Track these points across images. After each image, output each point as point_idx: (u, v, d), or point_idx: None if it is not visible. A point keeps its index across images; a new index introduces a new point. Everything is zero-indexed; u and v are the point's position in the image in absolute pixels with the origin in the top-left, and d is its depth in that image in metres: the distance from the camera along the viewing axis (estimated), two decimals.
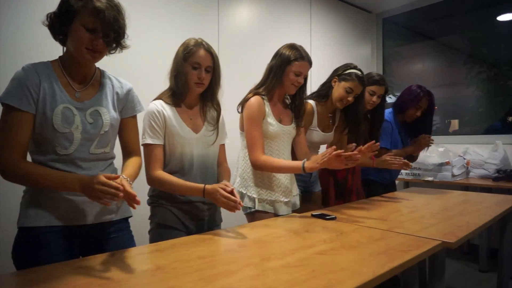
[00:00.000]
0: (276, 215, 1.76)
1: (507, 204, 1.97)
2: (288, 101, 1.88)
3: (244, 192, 1.77)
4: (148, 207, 1.56)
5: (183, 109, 1.52)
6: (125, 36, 1.19)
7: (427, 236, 1.32)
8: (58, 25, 1.12)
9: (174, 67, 1.48)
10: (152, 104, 1.49)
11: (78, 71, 1.19)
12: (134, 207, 1.05)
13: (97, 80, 1.25)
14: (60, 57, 1.20)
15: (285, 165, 1.70)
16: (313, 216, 1.68)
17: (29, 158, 1.16)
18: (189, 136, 1.50)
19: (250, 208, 1.74)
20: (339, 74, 1.99)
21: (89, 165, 1.21)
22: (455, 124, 4.03)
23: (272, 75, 1.74)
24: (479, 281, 2.85)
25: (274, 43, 1.84)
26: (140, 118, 1.42)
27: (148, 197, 1.56)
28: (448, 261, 3.18)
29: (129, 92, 1.32)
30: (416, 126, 2.51)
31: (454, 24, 4.16)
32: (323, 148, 2.29)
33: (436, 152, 3.37)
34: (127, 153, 1.34)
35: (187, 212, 1.50)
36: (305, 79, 1.79)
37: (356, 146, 1.99)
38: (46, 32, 1.17)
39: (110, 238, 1.26)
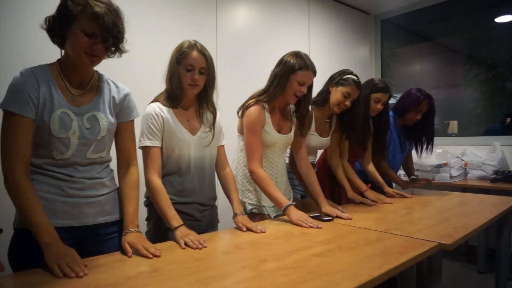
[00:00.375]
0: (269, 216, 1.77)
1: (505, 206, 1.97)
2: (290, 110, 1.87)
3: (241, 197, 1.77)
4: (145, 209, 1.56)
5: (180, 111, 1.52)
6: (124, 41, 1.19)
7: (424, 238, 1.33)
8: (57, 28, 1.12)
9: (169, 70, 1.49)
10: (149, 106, 1.49)
11: (76, 75, 1.19)
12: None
13: (95, 84, 1.25)
14: (58, 60, 1.20)
15: (271, 195, 1.65)
16: (310, 217, 1.68)
17: None
18: (186, 138, 1.50)
19: (244, 209, 1.74)
20: (336, 80, 2.00)
21: (85, 169, 1.21)
22: (453, 126, 4.04)
23: (275, 83, 1.71)
24: (477, 282, 2.86)
25: (272, 45, 1.85)
26: (137, 120, 1.41)
27: (145, 198, 1.56)
28: (446, 262, 3.19)
29: (126, 97, 1.31)
30: (417, 129, 2.51)
31: (452, 26, 4.18)
32: (320, 153, 2.32)
33: (434, 153, 3.38)
34: (123, 161, 1.33)
35: (184, 213, 1.50)
36: (309, 88, 1.77)
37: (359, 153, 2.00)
38: (44, 35, 1.16)
39: (107, 240, 1.26)
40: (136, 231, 1.21)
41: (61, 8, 1.10)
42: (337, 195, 2.30)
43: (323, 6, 3.78)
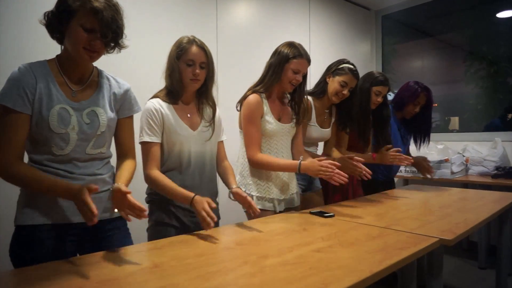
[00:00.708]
0: (275, 212, 1.77)
1: (506, 201, 1.97)
2: (288, 99, 1.88)
3: (244, 190, 1.77)
4: (146, 205, 1.56)
5: (180, 106, 1.52)
6: (124, 36, 1.19)
7: (425, 234, 1.32)
8: (56, 24, 1.12)
9: (168, 66, 1.49)
10: (149, 102, 1.49)
11: (75, 71, 1.19)
12: (140, 218, 1.08)
13: (95, 80, 1.24)
14: (57, 56, 1.19)
15: (281, 164, 1.70)
16: (311, 213, 1.68)
17: (26, 156, 1.16)
18: (187, 134, 1.50)
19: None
20: (332, 70, 2.01)
21: (85, 164, 1.21)
22: (455, 122, 4.03)
23: (270, 72, 1.74)
24: (478, 278, 2.86)
25: (273, 41, 1.84)
26: (137, 117, 1.41)
27: (146, 195, 1.56)
28: (447, 258, 3.19)
29: (126, 92, 1.31)
30: (416, 122, 2.53)
31: (453, 21, 4.16)
32: (321, 146, 2.31)
33: (435, 150, 3.37)
34: (122, 154, 1.33)
35: (185, 209, 1.50)
36: (304, 77, 1.79)
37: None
38: (44, 30, 1.16)
39: (107, 236, 1.26)
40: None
41: (60, 3, 1.10)
42: (344, 192, 2.29)
43: (323, 2, 3.76)
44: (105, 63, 1.31)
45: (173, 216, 1.50)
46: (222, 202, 1.74)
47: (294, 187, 1.90)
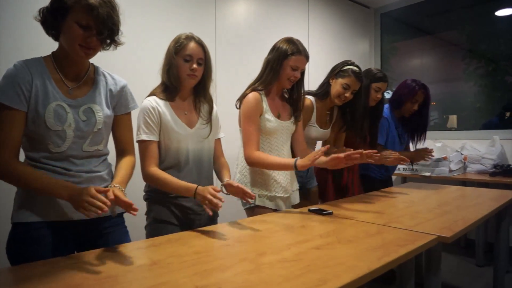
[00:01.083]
0: (275, 210, 1.77)
1: (504, 199, 1.97)
2: (286, 96, 1.88)
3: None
4: (145, 203, 1.56)
5: (177, 104, 1.51)
6: (119, 33, 1.18)
7: (423, 231, 1.33)
8: (51, 20, 1.11)
9: (166, 61, 1.48)
10: (146, 100, 1.49)
11: (71, 68, 1.18)
12: (134, 214, 1.06)
13: (91, 77, 1.24)
14: (53, 52, 1.19)
15: (277, 162, 1.68)
16: (310, 211, 1.68)
17: (22, 154, 1.16)
18: (184, 131, 1.50)
19: (249, 203, 1.74)
20: (336, 71, 1.99)
21: (82, 162, 1.20)
22: (453, 120, 4.03)
23: (269, 69, 1.73)
24: (475, 275, 2.87)
25: (271, 39, 1.83)
26: (134, 115, 1.41)
27: (144, 193, 1.56)
28: (445, 255, 3.20)
29: (123, 88, 1.31)
30: (413, 120, 2.53)
31: (452, 19, 4.15)
32: (319, 145, 2.31)
33: (434, 148, 3.37)
34: (120, 152, 1.33)
35: (183, 207, 1.50)
36: (302, 73, 1.78)
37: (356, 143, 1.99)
38: (39, 26, 1.15)
39: (105, 233, 1.26)
40: (119, 187, 1.17)
41: None
42: (344, 190, 2.29)
43: (322, 0, 3.75)
44: (101, 60, 1.30)
45: (171, 214, 1.50)
46: None
47: (295, 185, 1.90)
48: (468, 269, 3.01)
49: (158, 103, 1.47)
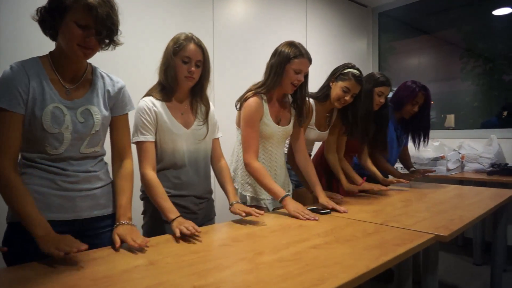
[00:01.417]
0: (268, 210, 1.77)
1: (501, 198, 1.98)
2: (289, 101, 1.86)
3: (237, 187, 1.77)
4: (141, 202, 1.55)
5: (173, 104, 1.50)
6: (118, 33, 1.17)
7: (421, 230, 1.33)
8: (49, 20, 1.09)
9: (164, 61, 1.47)
10: (142, 101, 1.48)
11: (69, 68, 1.17)
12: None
13: (88, 78, 1.22)
14: (50, 52, 1.17)
15: (268, 187, 1.64)
16: (307, 209, 1.68)
17: None
18: (180, 132, 1.49)
19: (244, 203, 1.74)
20: (336, 74, 1.98)
21: (79, 162, 1.19)
22: (450, 119, 4.04)
23: (272, 74, 1.70)
24: (473, 274, 2.88)
25: (269, 38, 1.82)
26: (131, 116, 1.40)
27: (141, 192, 1.55)
28: (442, 254, 3.21)
29: (120, 90, 1.29)
30: (414, 122, 2.51)
31: (450, 19, 4.16)
32: (317, 146, 2.31)
33: (431, 147, 3.38)
34: (117, 156, 1.32)
35: (180, 206, 1.49)
36: (306, 76, 1.76)
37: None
38: (36, 26, 1.14)
39: (101, 233, 1.25)
40: (128, 223, 1.20)
41: None
42: (335, 190, 2.30)
43: None
44: (99, 60, 1.29)
45: None
46: (217, 199, 1.74)
47: (288, 187, 1.90)
48: (465, 267, 3.01)
49: (154, 104, 1.46)
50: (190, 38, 1.45)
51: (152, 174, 1.42)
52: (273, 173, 1.81)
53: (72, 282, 0.87)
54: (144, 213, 1.55)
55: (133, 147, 1.41)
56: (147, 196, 1.51)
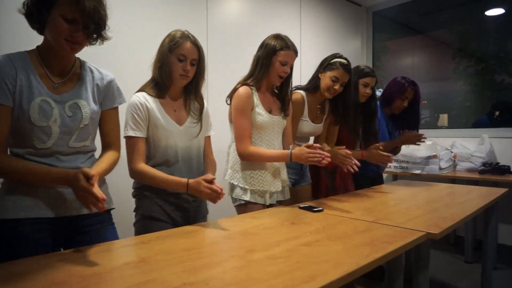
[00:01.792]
0: (267, 206, 1.77)
1: (492, 197, 1.99)
2: (276, 91, 1.88)
3: (236, 183, 1.76)
4: (133, 200, 1.54)
5: (166, 101, 1.50)
6: (106, 28, 1.16)
7: (412, 228, 1.33)
8: (35, 13, 1.08)
9: (159, 58, 1.46)
10: (134, 96, 1.47)
11: (57, 62, 1.15)
12: (99, 208, 1.02)
13: (77, 72, 1.21)
14: (37, 47, 1.16)
15: (273, 155, 1.71)
16: (300, 208, 1.68)
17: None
18: (173, 129, 1.48)
19: (240, 200, 1.74)
20: (324, 65, 2.00)
21: (69, 158, 1.18)
22: (443, 119, 4.07)
23: (259, 66, 1.73)
24: (464, 272, 2.90)
25: (263, 36, 1.82)
26: (122, 110, 1.39)
27: (133, 189, 1.54)
28: (434, 252, 3.24)
29: (110, 83, 1.28)
30: (404, 118, 2.54)
31: (443, 19, 4.19)
32: (311, 141, 2.31)
33: (424, 146, 3.40)
34: (105, 146, 1.31)
35: (172, 203, 1.49)
36: (291, 69, 1.78)
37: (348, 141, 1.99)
38: (23, 20, 1.12)
39: (92, 230, 1.24)
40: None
41: None
42: (337, 191, 2.30)
43: None
44: (92, 55, 1.28)
45: (160, 210, 1.48)
46: None
47: (285, 179, 1.90)
48: (457, 265, 3.04)
49: (147, 99, 1.45)
50: (186, 36, 1.44)
51: (143, 164, 1.43)
52: (272, 164, 1.80)
53: (60, 279, 0.86)
54: (136, 210, 1.54)
55: (122, 142, 1.40)
56: (139, 193, 1.51)
